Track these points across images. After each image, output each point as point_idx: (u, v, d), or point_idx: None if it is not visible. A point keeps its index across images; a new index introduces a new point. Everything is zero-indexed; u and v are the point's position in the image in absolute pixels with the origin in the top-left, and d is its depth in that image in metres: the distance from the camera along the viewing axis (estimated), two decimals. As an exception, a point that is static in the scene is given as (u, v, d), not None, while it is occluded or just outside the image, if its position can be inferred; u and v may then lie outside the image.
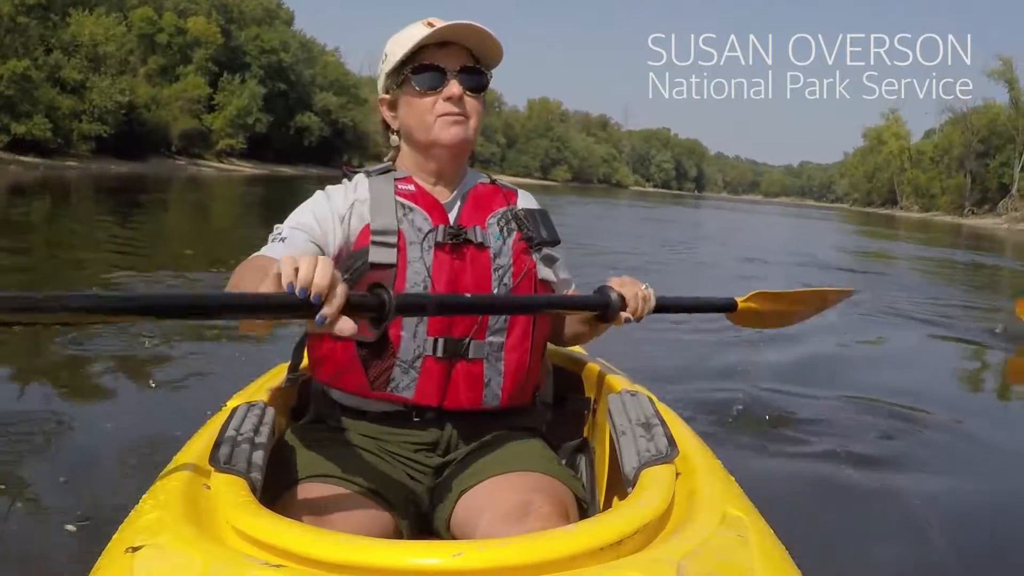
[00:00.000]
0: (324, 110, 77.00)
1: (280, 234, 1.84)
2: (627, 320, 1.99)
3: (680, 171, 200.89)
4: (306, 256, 1.32)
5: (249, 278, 1.58)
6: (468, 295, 1.82)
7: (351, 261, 1.85)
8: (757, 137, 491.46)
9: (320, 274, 1.29)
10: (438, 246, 1.87)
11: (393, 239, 1.85)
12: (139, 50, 61.26)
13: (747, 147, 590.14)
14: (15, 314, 1.17)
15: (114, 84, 52.36)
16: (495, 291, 1.89)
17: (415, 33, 1.92)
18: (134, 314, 1.29)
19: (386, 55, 1.96)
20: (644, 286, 2.03)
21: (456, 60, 1.92)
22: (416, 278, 1.84)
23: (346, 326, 1.32)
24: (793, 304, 2.85)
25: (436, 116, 1.91)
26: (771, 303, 2.66)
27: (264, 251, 1.80)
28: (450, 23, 1.88)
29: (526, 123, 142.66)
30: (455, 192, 2.00)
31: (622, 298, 1.96)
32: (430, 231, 1.88)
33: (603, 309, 1.95)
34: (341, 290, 1.31)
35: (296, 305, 1.28)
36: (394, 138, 2.01)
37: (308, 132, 74.04)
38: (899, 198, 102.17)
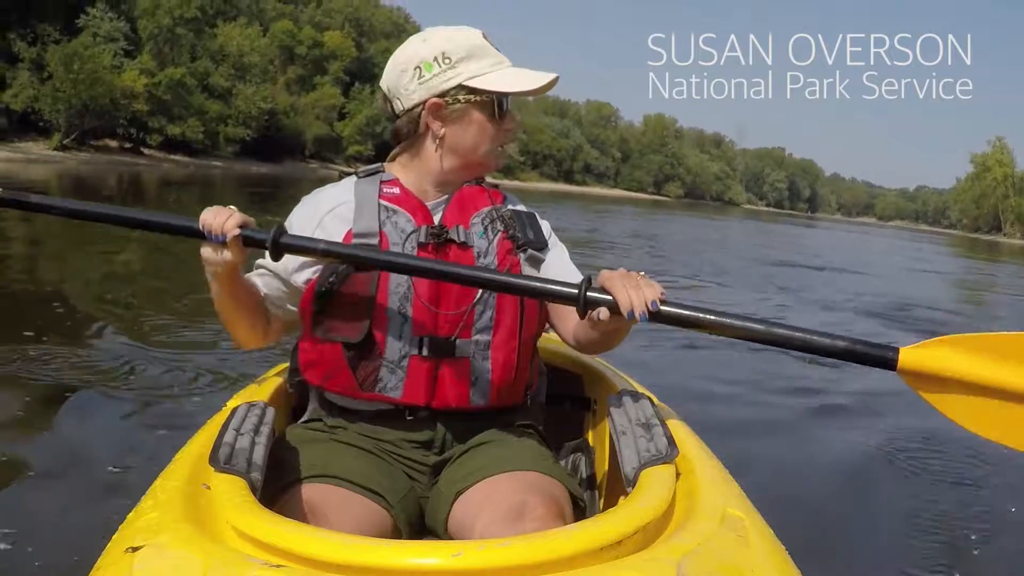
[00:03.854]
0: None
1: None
2: (616, 317, 1.64)
3: (793, 191, 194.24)
4: (220, 210, 1.74)
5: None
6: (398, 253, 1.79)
7: (335, 264, 1.80)
8: (874, 159, 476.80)
9: (213, 217, 1.71)
10: (421, 247, 1.82)
11: (375, 241, 1.81)
12: (279, 60, 64.35)
13: (864, 169, 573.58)
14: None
15: (257, 92, 54.89)
16: (479, 290, 1.82)
17: (505, 67, 1.89)
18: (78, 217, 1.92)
19: (449, 59, 1.84)
20: (641, 274, 1.69)
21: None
22: (400, 278, 1.79)
23: (230, 253, 1.72)
24: None
25: (495, 144, 1.91)
26: (976, 364, 1.57)
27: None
28: (554, 78, 1.89)
29: (641, 138, 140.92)
30: (443, 195, 1.93)
31: (605, 292, 1.66)
32: (412, 232, 1.83)
33: (571, 302, 1.67)
34: (232, 224, 1.70)
35: (200, 234, 1.72)
36: (431, 142, 1.90)
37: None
38: (1003, 225, 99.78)
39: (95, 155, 42.25)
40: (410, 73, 1.86)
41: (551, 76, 1.88)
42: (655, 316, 1.63)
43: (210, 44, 54.54)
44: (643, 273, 1.70)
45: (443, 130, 1.88)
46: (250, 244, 1.74)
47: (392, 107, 1.93)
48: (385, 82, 1.93)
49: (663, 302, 1.64)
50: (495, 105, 1.87)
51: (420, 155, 1.92)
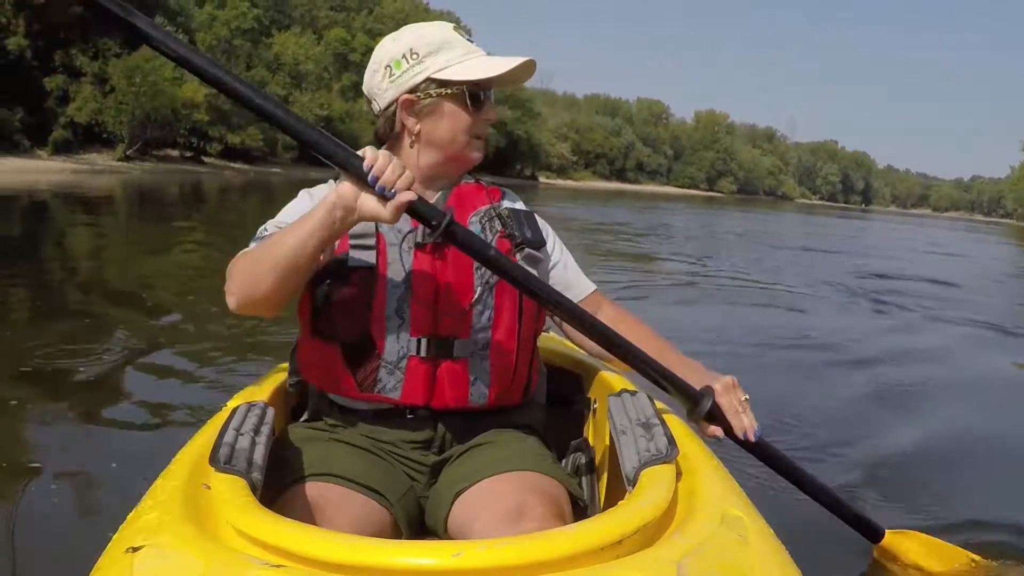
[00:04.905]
0: (499, 123, 78.00)
1: (266, 231, 1.81)
2: (715, 435, 1.81)
3: (847, 184, 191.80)
4: (396, 162, 1.53)
5: (250, 260, 1.70)
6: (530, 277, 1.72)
7: (332, 264, 1.78)
8: (928, 150, 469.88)
9: (391, 170, 1.52)
10: (418, 247, 1.79)
11: (372, 241, 1.78)
12: (333, 67, 64.86)
13: (918, 160, 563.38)
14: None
15: (313, 99, 55.54)
16: (477, 290, 1.80)
17: (476, 57, 1.85)
18: (241, 102, 1.55)
19: (417, 54, 1.83)
20: (744, 396, 1.82)
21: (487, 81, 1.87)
22: (397, 279, 1.77)
23: (386, 212, 1.52)
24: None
25: (473, 135, 1.88)
26: (938, 561, 2.27)
27: (251, 248, 1.79)
28: (527, 60, 1.83)
29: (693, 135, 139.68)
30: (439, 193, 1.91)
31: (718, 407, 1.80)
32: (410, 232, 1.80)
33: (690, 405, 1.81)
34: (405, 182, 1.53)
35: (362, 175, 1.52)
36: (408, 139, 1.88)
37: (485, 143, 75.56)
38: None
39: (158, 164, 42.85)
40: (381, 72, 1.86)
41: (520, 60, 1.82)
42: (753, 445, 1.83)
43: (266, 54, 55.18)
44: (747, 397, 1.82)
45: (418, 126, 1.86)
46: (415, 215, 1.59)
47: (372, 109, 1.92)
48: (364, 85, 1.92)
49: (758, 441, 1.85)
50: (467, 95, 1.83)
51: (400, 154, 1.88)
